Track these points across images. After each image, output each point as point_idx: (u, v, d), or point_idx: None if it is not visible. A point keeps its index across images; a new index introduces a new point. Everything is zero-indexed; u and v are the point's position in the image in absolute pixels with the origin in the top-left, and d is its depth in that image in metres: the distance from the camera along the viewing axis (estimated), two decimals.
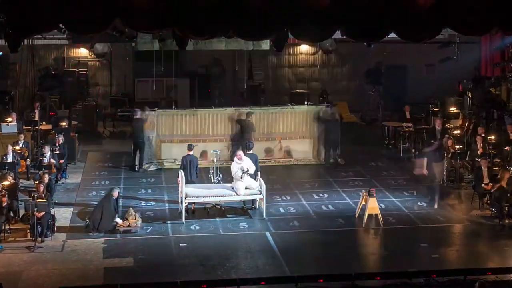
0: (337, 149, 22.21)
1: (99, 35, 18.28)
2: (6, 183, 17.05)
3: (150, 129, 21.30)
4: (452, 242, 16.33)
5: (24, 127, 22.26)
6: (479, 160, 18.66)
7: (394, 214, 17.70)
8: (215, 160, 18.25)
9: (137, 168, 21.17)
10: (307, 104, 23.09)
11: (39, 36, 22.92)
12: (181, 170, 17.66)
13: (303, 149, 22.32)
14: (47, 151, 19.50)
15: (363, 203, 17.07)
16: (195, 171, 17.93)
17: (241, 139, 21.15)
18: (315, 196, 19.01)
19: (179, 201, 17.48)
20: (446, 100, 27.25)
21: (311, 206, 18.25)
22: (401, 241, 16.01)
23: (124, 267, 14.56)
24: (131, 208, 16.71)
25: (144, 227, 16.62)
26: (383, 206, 18.05)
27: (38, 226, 15.56)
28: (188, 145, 18.33)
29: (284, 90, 29.87)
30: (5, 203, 16.05)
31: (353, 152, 23.52)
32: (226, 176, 18.34)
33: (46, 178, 17.04)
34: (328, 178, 20.74)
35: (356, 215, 17.17)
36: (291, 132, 22.24)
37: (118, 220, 16.39)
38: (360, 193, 18.64)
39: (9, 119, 21.95)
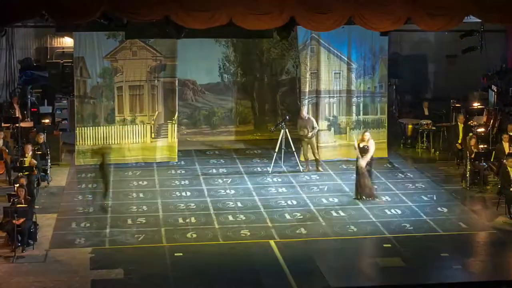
0: None
1: (86, 23, 18.27)
2: None
3: None
4: (476, 252, 16.32)
5: (3, 125, 22.26)
6: (505, 161, 18.64)
7: (411, 220, 17.69)
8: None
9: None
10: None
11: (19, 24, 22.95)
12: None
13: None
14: (28, 151, 19.50)
15: None
16: None
17: None
18: (324, 201, 19.00)
19: None
20: (469, 94, 27.23)
21: (320, 212, 18.24)
22: (419, 251, 16.00)
23: (113, 279, 14.55)
24: None
25: (135, 235, 16.63)
26: (399, 211, 18.06)
27: (18, 234, 15.57)
28: None
29: None
30: None
31: None
32: None
33: (24, 180, 17.00)
34: (337, 181, 20.73)
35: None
36: None
37: None
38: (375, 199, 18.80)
39: None
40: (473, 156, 19.81)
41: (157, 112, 21.99)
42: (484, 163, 19.84)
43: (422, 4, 17.77)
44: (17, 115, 23.33)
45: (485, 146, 20.95)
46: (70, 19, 17.10)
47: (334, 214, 18.10)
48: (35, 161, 19.32)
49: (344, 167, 21.89)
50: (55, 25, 22.02)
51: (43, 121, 22.75)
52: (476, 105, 24.83)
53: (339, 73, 22.56)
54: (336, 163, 22.37)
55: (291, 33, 18.85)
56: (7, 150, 20.31)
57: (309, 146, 21.52)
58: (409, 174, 21.47)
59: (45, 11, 16.40)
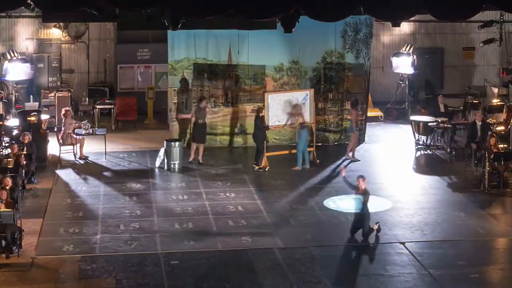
0: None
1: (75, 13, 18.26)
2: None
3: None
4: (495, 260, 16.33)
5: None
6: None
7: (425, 225, 17.68)
8: None
9: None
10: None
11: (3, 14, 22.98)
12: None
13: None
14: (14, 151, 19.49)
15: None
16: None
17: None
18: (332, 205, 19.00)
19: None
20: (488, 90, 27.23)
21: (327, 216, 18.25)
22: (434, 259, 15.99)
23: None
24: None
25: (128, 242, 16.64)
26: (412, 216, 18.09)
27: (2, 241, 15.57)
28: None
29: None
30: None
31: (375, 152, 23.54)
32: None
33: (9, 182, 17.01)
34: (345, 184, 20.66)
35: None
36: None
37: None
38: (384, 200, 18.79)
39: None
40: (492, 156, 19.80)
41: None
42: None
43: None
44: (0, 112, 23.34)
45: (505, 145, 20.93)
46: (57, 9, 17.06)
47: (342, 219, 18.10)
48: (20, 162, 19.33)
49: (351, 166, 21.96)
50: (41, 15, 22.05)
51: (29, 118, 22.70)
52: (495, 101, 24.80)
53: None
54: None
55: (296, 24, 18.80)
56: None
57: None
58: (423, 176, 21.49)
59: (30, 0, 16.33)
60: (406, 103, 28.28)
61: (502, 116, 23.87)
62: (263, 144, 21.64)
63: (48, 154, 22.50)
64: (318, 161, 22.26)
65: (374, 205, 18.77)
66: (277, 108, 22.11)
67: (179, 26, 18.55)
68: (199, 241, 16.74)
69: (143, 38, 27.79)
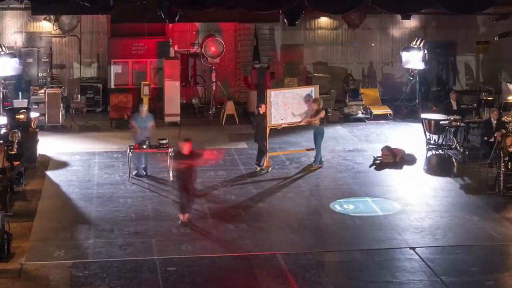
0: None
1: (66, 5, 18.30)
2: None
3: None
4: (511, 266, 16.32)
5: None
6: None
7: (437, 229, 17.67)
8: None
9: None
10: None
11: None
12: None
13: None
14: (1, 151, 19.51)
15: None
16: None
17: None
18: (338, 208, 19.00)
19: None
20: (503, 86, 27.24)
21: (333, 220, 18.25)
22: (446, 265, 15.99)
23: None
24: None
25: (123, 247, 16.63)
26: (423, 220, 18.08)
27: None
28: None
29: (298, 74, 29.86)
30: None
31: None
32: None
33: None
34: (352, 186, 20.71)
35: None
36: None
37: None
38: (393, 202, 18.77)
39: None
40: (508, 156, 19.79)
41: None
42: None
43: None
44: None
45: None
46: (48, 0, 17.12)
47: (349, 222, 18.11)
48: (8, 163, 19.34)
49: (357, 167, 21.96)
50: (30, 7, 22.08)
51: (17, 116, 22.70)
52: (510, 98, 24.80)
53: None
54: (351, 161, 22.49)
55: (300, 17, 18.85)
56: None
57: None
58: (435, 177, 21.50)
59: None
60: (417, 100, 28.27)
61: None
62: (265, 143, 21.61)
63: (38, 154, 22.51)
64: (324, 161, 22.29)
65: (383, 208, 18.88)
66: (280, 106, 22.08)
67: (177, 18, 18.60)
68: (197, 246, 16.74)
69: (138, 31, 27.82)
